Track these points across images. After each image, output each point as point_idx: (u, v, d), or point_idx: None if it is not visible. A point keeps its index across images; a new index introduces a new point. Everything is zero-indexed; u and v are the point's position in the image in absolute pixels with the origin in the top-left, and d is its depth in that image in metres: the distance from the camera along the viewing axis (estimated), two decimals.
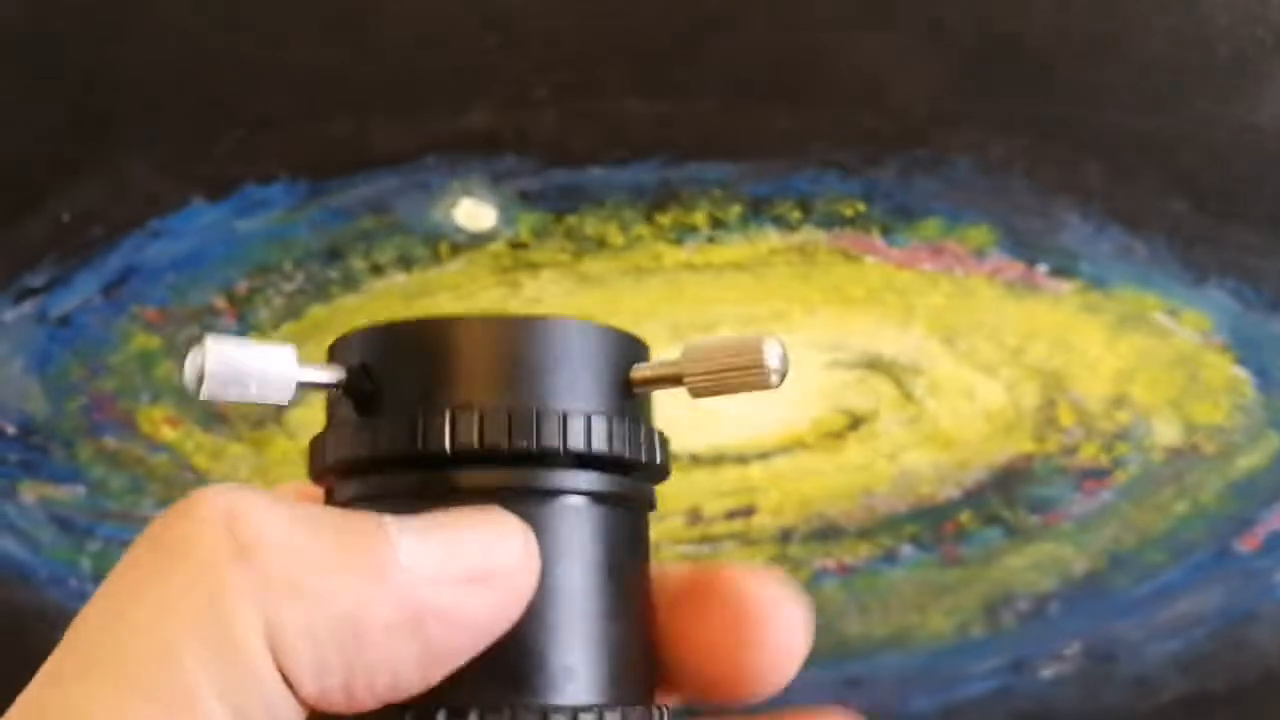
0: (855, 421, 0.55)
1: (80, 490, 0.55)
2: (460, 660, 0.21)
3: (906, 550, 0.54)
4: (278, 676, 0.19)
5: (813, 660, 0.53)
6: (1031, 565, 0.54)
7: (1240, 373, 0.54)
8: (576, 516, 0.23)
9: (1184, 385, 0.54)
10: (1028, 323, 0.55)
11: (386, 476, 0.23)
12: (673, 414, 0.53)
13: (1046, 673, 0.54)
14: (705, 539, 0.54)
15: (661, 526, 0.54)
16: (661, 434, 0.26)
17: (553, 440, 0.22)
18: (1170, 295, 0.54)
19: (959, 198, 0.54)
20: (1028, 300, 0.55)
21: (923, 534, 0.54)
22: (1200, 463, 0.54)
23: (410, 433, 0.22)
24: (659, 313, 0.55)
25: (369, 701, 0.20)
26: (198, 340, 0.22)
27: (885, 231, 0.55)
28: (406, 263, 0.55)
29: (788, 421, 0.55)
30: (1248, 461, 0.54)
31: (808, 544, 0.54)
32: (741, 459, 0.55)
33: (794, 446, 0.55)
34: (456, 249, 0.55)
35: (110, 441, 0.55)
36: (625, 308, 0.55)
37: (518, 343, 0.23)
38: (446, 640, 0.21)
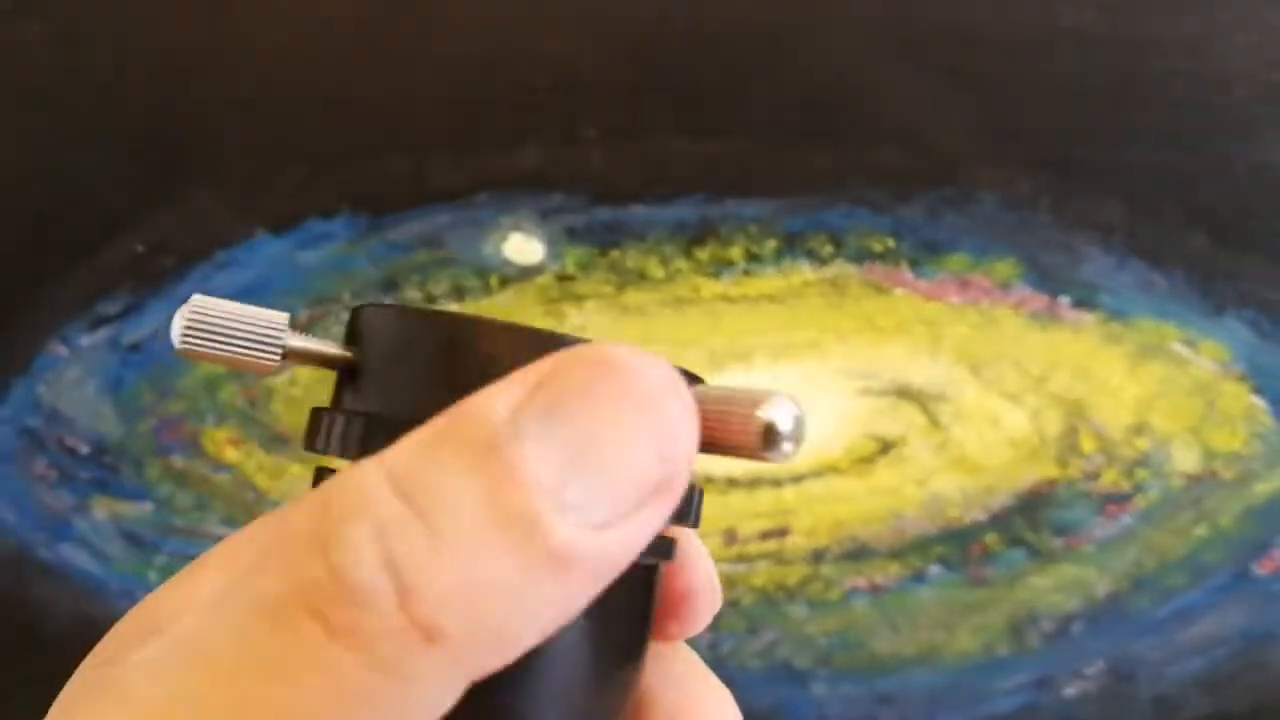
0: (885, 447, 0.55)
1: (148, 507, 0.56)
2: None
3: (935, 571, 0.55)
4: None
5: (844, 676, 0.55)
6: (1055, 586, 0.55)
7: (1257, 401, 0.55)
8: None
9: (1202, 413, 0.55)
10: (1051, 353, 0.55)
11: None
12: None
13: (1070, 691, 0.55)
14: (741, 559, 0.55)
15: None
16: (697, 487, 0.22)
17: None
18: (1189, 326, 0.55)
19: (985, 233, 0.55)
20: (1051, 331, 0.55)
21: (950, 555, 0.55)
22: (1219, 488, 0.55)
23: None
24: (697, 342, 0.56)
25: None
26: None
27: (914, 265, 0.56)
28: (459, 293, 0.56)
29: (820, 446, 0.56)
30: (1265, 487, 0.55)
31: (840, 564, 0.55)
32: (776, 482, 0.55)
33: (826, 471, 0.56)
34: (506, 281, 0.56)
35: (177, 461, 0.56)
36: (665, 337, 0.56)
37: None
38: (623, 566, 0.18)
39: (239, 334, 0.21)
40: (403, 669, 0.16)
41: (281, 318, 0.21)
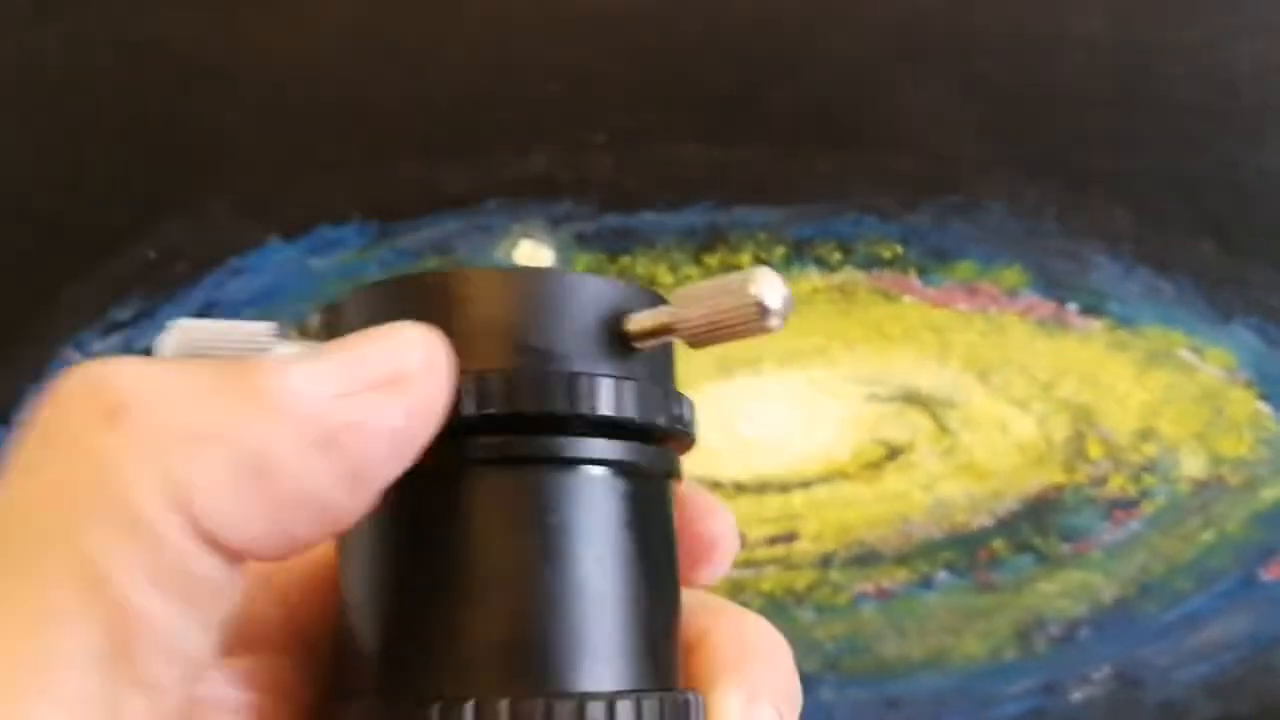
0: (893, 452, 0.56)
1: None
2: (387, 474, 0.19)
3: (942, 576, 0.55)
4: (190, 537, 0.17)
5: (853, 680, 0.55)
6: (1062, 591, 0.55)
7: (1264, 408, 0.55)
8: (595, 489, 0.21)
9: (1209, 419, 0.55)
10: (1058, 359, 0.56)
11: None
12: (717, 445, 0.55)
13: (1077, 695, 0.55)
14: (749, 564, 0.56)
15: None
16: (684, 397, 0.23)
17: (565, 404, 0.21)
18: (1196, 333, 0.55)
19: (992, 240, 0.56)
20: (1058, 338, 0.56)
21: (958, 560, 0.55)
22: (1225, 494, 0.55)
23: None
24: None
25: (307, 536, 0.19)
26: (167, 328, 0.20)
27: (922, 272, 0.56)
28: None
29: (828, 452, 0.56)
30: (1271, 493, 0.55)
31: (847, 569, 0.56)
32: (784, 488, 0.56)
33: (834, 476, 0.56)
34: None
35: None
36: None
37: (511, 297, 0.21)
38: (364, 452, 0.19)
39: (226, 351, 0.21)
40: (94, 454, 0.17)
41: (268, 327, 0.21)
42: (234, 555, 0.18)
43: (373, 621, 0.21)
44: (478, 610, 0.20)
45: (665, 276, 0.56)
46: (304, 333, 0.22)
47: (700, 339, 0.22)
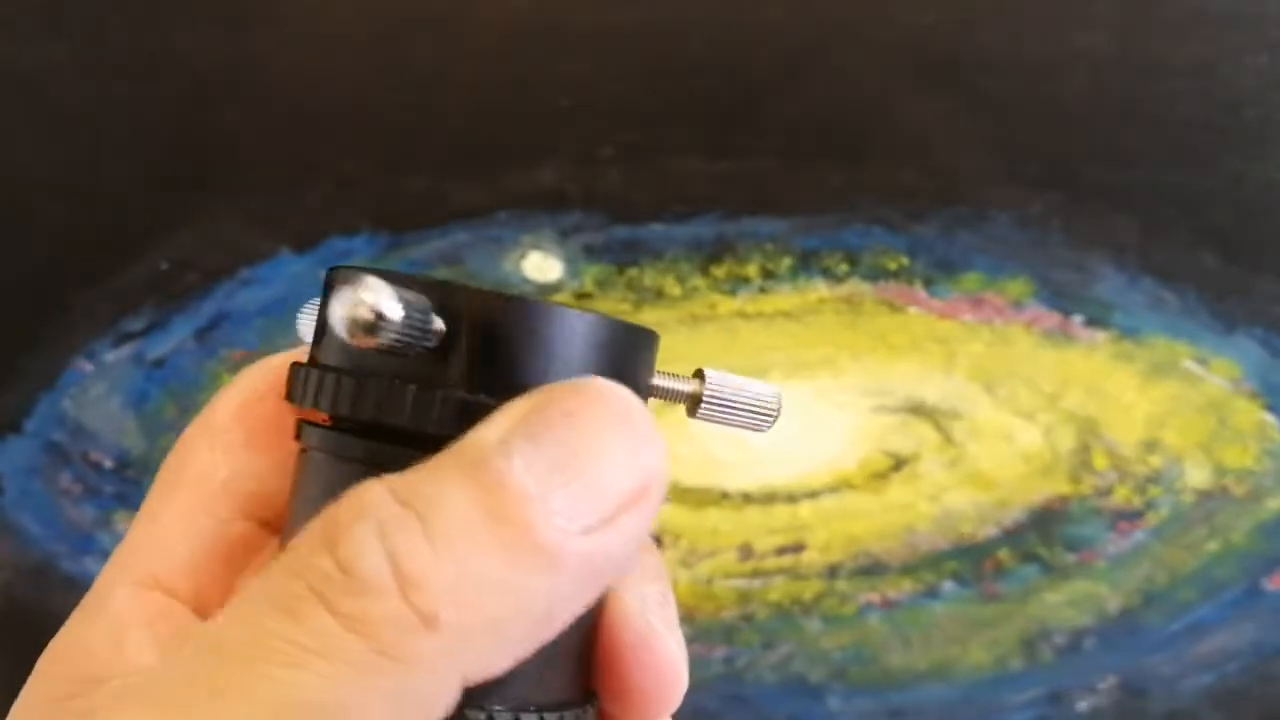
0: (899, 463, 0.56)
1: None
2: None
3: (948, 586, 0.56)
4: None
5: (858, 690, 0.55)
6: (1068, 601, 0.55)
7: (1268, 418, 0.55)
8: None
9: (1214, 430, 0.55)
10: (1064, 370, 0.56)
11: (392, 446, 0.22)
12: (725, 457, 0.56)
13: (1082, 705, 0.55)
14: (757, 574, 0.56)
15: (715, 561, 0.56)
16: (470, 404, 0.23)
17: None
18: (1200, 344, 0.56)
19: (998, 252, 0.56)
20: (1064, 349, 0.56)
21: (963, 571, 0.56)
22: (1230, 504, 0.55)
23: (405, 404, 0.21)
24: (713, 358, 0.56)
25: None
26: (348, 280, 0.20)
27: (928, 283, 0.56)
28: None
29: (835, 463, 0.56)
30: (1276, 503, 0.55)
31: (854, 579, 0.56)
32: (791, 498, 0.56)
33: (841, 487, 0.56)
34: None
35: None
36: (681, 354, 0.56)
37: (556, 333, 0.21)
38: (619, 569, 0.19)
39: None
40: (403, 653, 0.17)
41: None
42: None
43: None
44: None
45: (673, 287, 0.57)
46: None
47: (709, 419, 0.25)
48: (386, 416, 0.21)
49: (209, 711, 0.17)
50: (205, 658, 0.18)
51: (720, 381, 0.25)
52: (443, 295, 0.21)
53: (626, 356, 0.23)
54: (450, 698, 0.18)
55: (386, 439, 0.21)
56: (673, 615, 0.24)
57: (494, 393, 0.21)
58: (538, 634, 0.18)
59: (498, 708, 0.21)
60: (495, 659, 0.18)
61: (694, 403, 0.25)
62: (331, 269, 0.24)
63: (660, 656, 0.24)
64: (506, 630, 0.18)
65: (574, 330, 0.22)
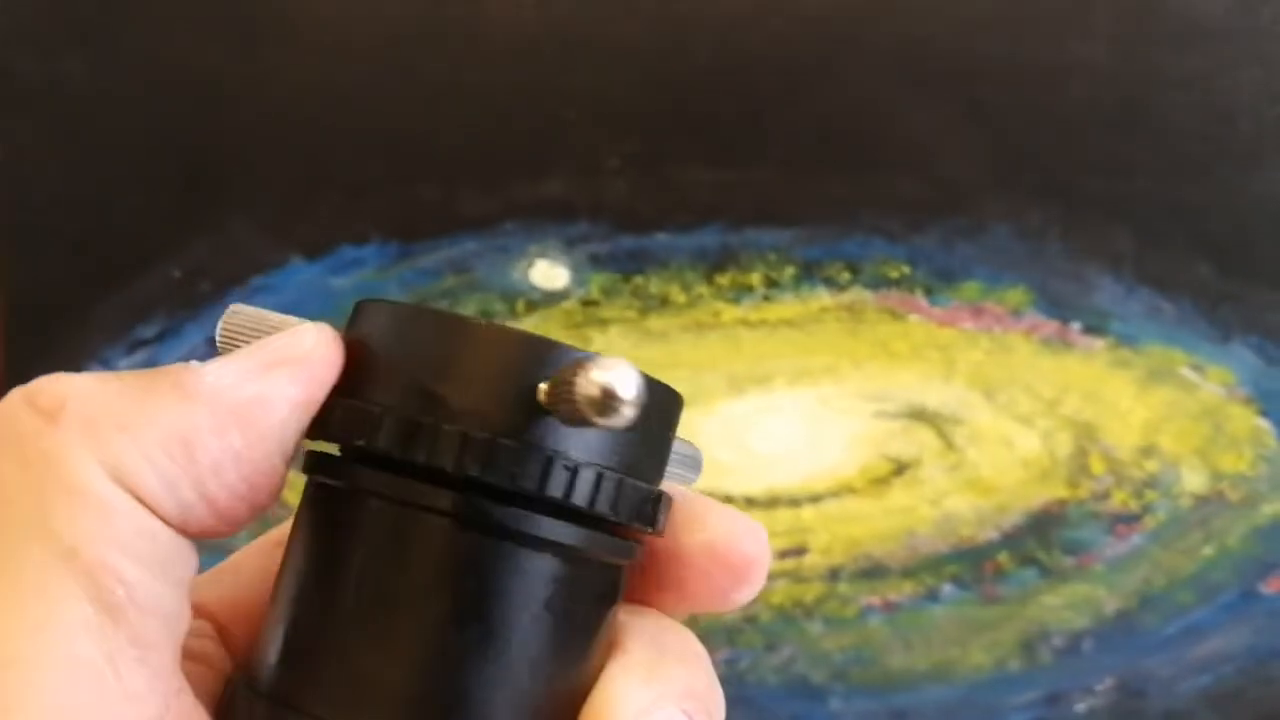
0: (900, 468, 0.57)
1: None
2: (291, 435, 0.21)
3: (948, 589, 0.56)
4: (138, 505, 0.20)
5: (860, 691, 0.56)
6: (1066, 604, 0.56)
7: (1263, 424, 0.56)
8: (526, 565, 0.21)
9: (1210, 436, 0.56)
10: (1062, 377, 0.56)
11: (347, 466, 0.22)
12: (728, 459, 0.56)
13: (1080, 706, 0.56)
14: None
15: None
16: (657, 492, 0.23)
17: (533, 484, 0.21)
18: (1196, 352, 0.56)
19: (997, 261, 0.57)
20: (1062, 356, 0.57)
21: (963, 574, 0.56)
22: (1226, 509, 0.56)
23: (391, 432, 0.21)
24: (717, 365, 0.57)
25: (236, 506, 0.21)
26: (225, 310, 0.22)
27: (928, 292, 0.57)
28: (486, 318, 0.57)
29: (837, 467, 0.57)
30: (1271, 508, 0.56)
31: (855, 582, 0.56)
32: (794, 502, 0.57)
33: (843, 491, 0.57)
34: (532, 306, 0.58)
35: None
36: (686, 361, 0.57)
37: (532, 365, 0.21)
38: (268, 420, 0.21)
39: (260, 332, 0.23)
40: (40, 450, 0.19)
41: (300, 321, 0.23)
42: (176, 526, 0.20)
43: (281, 623, 0.22)
44: (377, 654, 0.21)
45: (678, 296, 0.57)
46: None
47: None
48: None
49: None
50: None
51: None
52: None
53: (658, 414, 0.23)
54: (133, 510, 0.20)
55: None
56: None
57: None
58: (181, 458, 0.20)
59: None
60: (146, 473, 0.20)
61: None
62: (360, 302, 0.24)
63: None
64: (138, 440, 0.20)
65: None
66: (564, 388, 0.20)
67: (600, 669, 0.22)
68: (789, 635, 0.56)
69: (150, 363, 0.58)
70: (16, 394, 0.20)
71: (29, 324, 0.59)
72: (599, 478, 0.21)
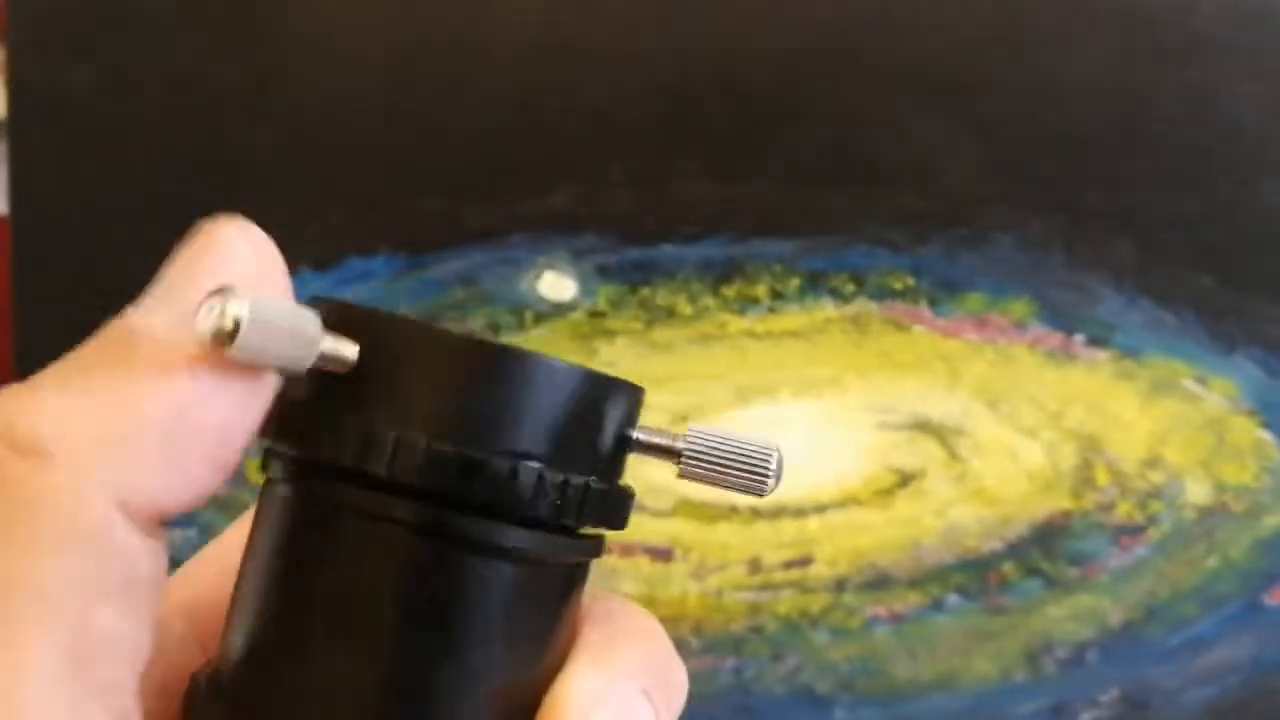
0: (905, 479, 0.57)
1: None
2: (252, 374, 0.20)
3: (953, 599, 0.56)
4: (130, 533, 0.19)
5: (865, 701, 0.56)
6: (1070, 615, 0.56)
7: (1266, 436, 0.56)
8: (489, 573, 0.21)
9: (1213, 448, 0.56)
10: (1066, 389, 0.57)
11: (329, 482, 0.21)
12: None
13: (1085, 717, 0.56)
14: (765, 587, 0.57)
15: (724, 575, 0.56)
16: (628, 491, 0.23)
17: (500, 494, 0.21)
18: (1199, 364, 0.56)
19: (1001, 273, 0.57)
20: (1066, 368, 0.57)
21: (968, 584, 0.56)
22: (1230, 520, 0.56)
23: (351, 446, 0.20)
24: (724, 376, 0.57)
25: (201, 472, 0.20)
26: (216, 293, 0.19)
27: (932, 303, 0.57)
28: (494, 330, 0.58)
29: (842, 478, 0.57)
30: (1274, 520, 0.56)
31: (861, 593, 0.57)
32: (799, 513, 0.57)
33: (848, 502, 0.57)
34: (540, 318, 0.58)
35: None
36: (692, 372, 0.57)
37: (513, 383, 0.21)
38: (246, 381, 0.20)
39: (288, 331, 0.21)
40: (24, 498, 0.18)
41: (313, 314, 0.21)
42: (153, 519, 0.19)
43: (241, 629, 0.22)
44: (335, 664, 0.21)
45: (684, 307, 0.58)
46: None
47: (695, 479, 0.23)
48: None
49: None
50: None
51: (702, 435, 0.23)
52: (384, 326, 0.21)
53: (603, 410, 0.22)
54: (111, 514, 0.19)
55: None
56: None
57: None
58: (173, 442, 0.19)
59: None
60: (120, 454, 0.19)
61: (677, 459, 0.23)
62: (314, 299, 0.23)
63: None
64: (112, 419, 0.19)
65: (554, 383, 0.22)
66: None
67: (563, 662, 0.22)
68: (794, 645, 0.57)
69: None
70: None
71: (36, 334, 0.59)
72: (563, 484, 0.21)
